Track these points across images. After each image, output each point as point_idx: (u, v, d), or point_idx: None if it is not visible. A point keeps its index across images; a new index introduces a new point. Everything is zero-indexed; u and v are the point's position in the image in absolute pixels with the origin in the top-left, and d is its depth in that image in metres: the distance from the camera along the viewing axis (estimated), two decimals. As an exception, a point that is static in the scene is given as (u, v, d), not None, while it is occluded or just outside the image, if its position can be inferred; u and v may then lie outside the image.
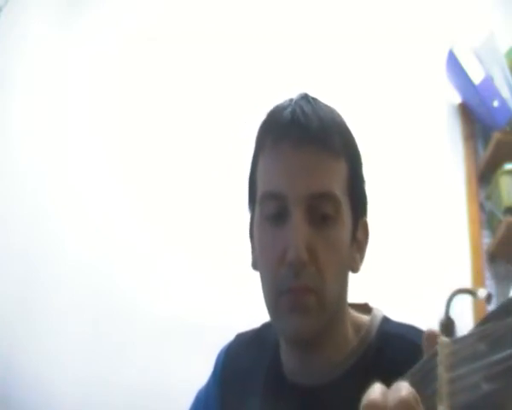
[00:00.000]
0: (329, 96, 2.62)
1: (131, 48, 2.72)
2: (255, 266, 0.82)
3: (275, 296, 0.75)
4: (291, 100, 0.80)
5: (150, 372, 2.17)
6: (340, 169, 0.77)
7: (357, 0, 2.76)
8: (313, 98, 0.80)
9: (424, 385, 0.37)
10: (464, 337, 0.35)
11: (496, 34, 2.37)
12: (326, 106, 0.80)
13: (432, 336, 0.40)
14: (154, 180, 2.47)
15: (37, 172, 2.48)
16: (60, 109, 2.61)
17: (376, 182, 2.39)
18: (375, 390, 0.39)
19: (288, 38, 2.65)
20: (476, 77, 2.34)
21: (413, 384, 0.40)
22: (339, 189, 0.75)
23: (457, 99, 2.55)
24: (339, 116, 0.81)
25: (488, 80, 2.32)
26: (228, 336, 0.99)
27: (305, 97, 0.79)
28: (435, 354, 0.37)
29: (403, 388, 0.37)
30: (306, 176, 0.74)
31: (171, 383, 2.12)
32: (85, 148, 2.55)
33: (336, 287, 0.76)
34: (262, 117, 0.82)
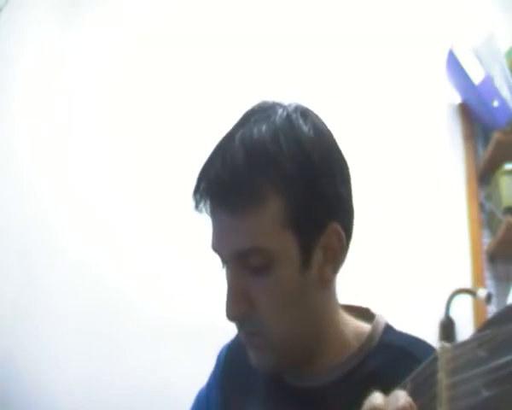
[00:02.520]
0: (329, 97, 2.62)
1: (132, 48, 2.71)
2: None
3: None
4: (216, 153, 0.77)
5: (150, 372, 2.17)
6: (269, 211, 0.72)
7: (357, 1, 2.76)
8: (230, 137, 0.76)
9: (424, 390, 0.37)
10: (464, 343, 0.35)
11: (496, 34, 2.37)
12: (242, 144, 0.73)
13: None
14: (154, 181, 2.47)
15: (37, 172, 2.48)
16: (60, 109, 2.61)
17: (376, 182, 2.41)
18: (377, 397, 0.39)
19: (288, 39, 2.65)
20: (476, 77, 2.34)
21: (413, 389, 0.40)
22: (267, 235, 0.72)
23: (457, 99, 2.55)
24: (262, 147, 0.73)
25: (488, 80, 2.32)
26: (227, 337, 0.99)
27: (222, 143, 0.77)
28: (436, 359, 0.38)
29: (400, 397, 0.37)
30: (227, 237, 0.75)
31: (170, 383, 2.12)
32: (85, 148, 2.55)
33: (284, 323, 0.75)
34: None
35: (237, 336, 0.99)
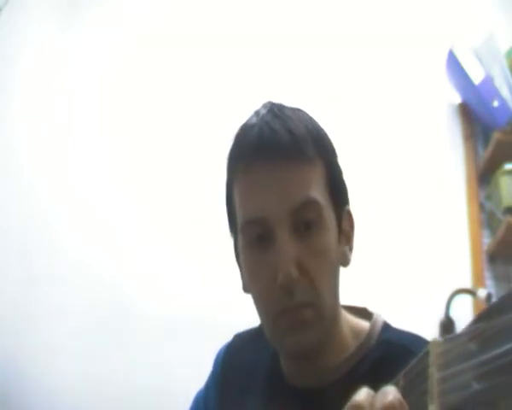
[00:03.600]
0: (330, 97, 2.62)
1: (131, 48, 2.72)
2: (246, 289, 0.82)
3: (271, 318, 0.75)
4: (257, 115, 0.79)
5: (151, 371, 2.17)
6: (317, 172, 0.76)
7: (357, 1, 2.76)
8: (279, 107, 0.79)
9: (416, 385, 0.37)
10: (455, 337, 0.35)
11: (496, 34, 2.37)
12: (293, 111, 0.79)
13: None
14: (155, 180, 2.47)
15: (37, 171, 2.48)
16: (60, 109, 2.61)
17: (376, 182, 2.40)
18: (361, 394, 0.39)
19: (288, 39, 2.66)
20: (476, 77, 2.33)
21: (406, 384, 0.40)
22: (318, 192, 0.75)
23: (457, 99, 2.54)
24: (308, 119, 0.80)
25: (488, 80, 2.32)
26: (229, 334, 1.00)
27: (270, 110, 0.78)
28: (427, 354, 0.37)
29: (389, 393, 0.37)
30: (285, 193, 0.74)
31: (171, 380, 2.11)
32: (85, 147, 2.56)
33: (330, 292, 0.76)
34: (230, 140, 0.81)
35: (236, 337, 0.99)
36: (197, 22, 2.74)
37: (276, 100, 0.83)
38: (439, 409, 0.33)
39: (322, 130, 0.81)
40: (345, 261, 0.80)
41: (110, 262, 2.35)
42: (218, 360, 0.97)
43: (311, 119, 0.81)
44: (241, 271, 0.83)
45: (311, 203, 0.74)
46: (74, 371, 2.18)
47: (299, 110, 0.81)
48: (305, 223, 0.74)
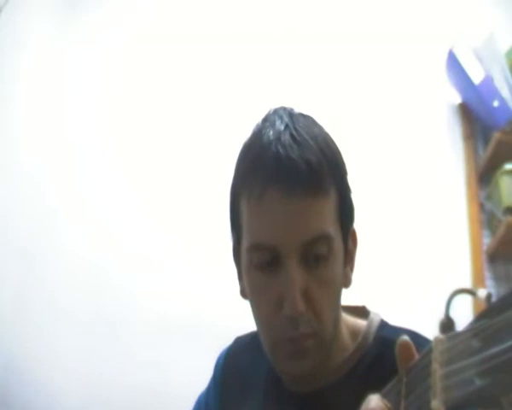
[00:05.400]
0: (329, 97, 2.62)
1: (132, 47, 2.72)
2: (244, 296, 0.81)
3: (273, 343, 0.75)
4: (272, 127, 0.76)
5: (151, 371, 2.17)
6: (331, 203, 0.75)
7: (357, 1, 2.76)
8: (295, 127, 0.76)
9: (419, 381, 0.38)
10: (458, 334, 0.36)
11: (496, 34, 2.38)
12: (310, 134, 0.75)
13: (405, 346, 0.40)
14: (155, 179, 2.47)
15: (37, 171, 2.48)
16: (60, 109, 2.61)
17: (377, 182, 2.40)
18: (371, 402, 0.39)
19: (288, 39, 2.66)
20: (476, 77, 2.34)
21: (408, 381, 0.40)
22: (331, 224, 0.74)
23: (457, 99, 2.55)
24: (324, 144, 0.76)
25: (488, 80, 2.32)
26: (228, 336, 1.00)
27: (287, 128, 0.75)
28: (430, 351, 0.38)
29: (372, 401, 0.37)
30: (298, 224, 0.72)
31: (171, 381, 2.12)
32: (86, 146, 2.56)
33: (333, 319, 0.76)
34: (241, 147, 0.80)
35: (236, 340, 0.99)
36: (197, 22, 2.74)
37: (288, 104, 0.81)
38: (443, 405, 0.33)
39: (336, 152, 0.79)
40: (347, 283, 0.79)
41: (111, 263, 2.35)
42: (219, 363, 0.97)
43: (325, 138, 0.78)
44: (238, 273, 0.83)
45: (324, 238, 0.73)
46: (75, 371, 2.18)
47: (313, 125, 0.78)
48: (315, 256, 0.73)
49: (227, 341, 1.00)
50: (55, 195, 2.47)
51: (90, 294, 2.30)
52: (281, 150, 0.72)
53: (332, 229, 0.74)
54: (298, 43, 2.64)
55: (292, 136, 0.74)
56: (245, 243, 0.77)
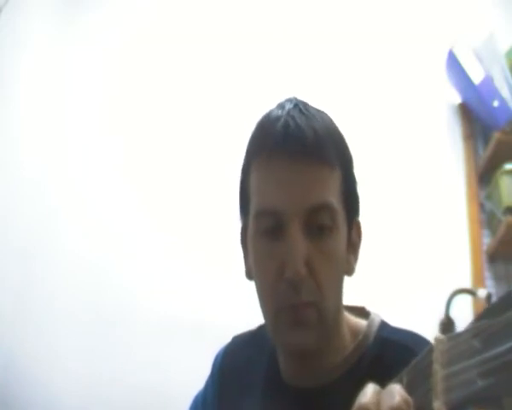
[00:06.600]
0: (329, 97, 2.62)
1: (132, 47, 2.72)
2: (249, 275, 0.82)
3: (274, 312, 0.75)
4: (282, 108, 0.78)
5: (151, 371, 2.17)
6: (335, 178, 0.76)
7: (358, 1, 2.76)
8: (304, 106, 0.79)
9: (420, 382, 0.37)
10: (459, 334, 0.35)
11: (496, 34, 2.38)
12: (318, 113, 0.79)
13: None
14: (155, 179, 2.47)
15: (37, 171, 2.48)
16: (60, 108, 2.61)
17: (377, 182, 2.41)
18: (367, 393, 0.38)
19: (288, 38, 2.66)
20: (476, 77, 2.34)
21: (410, 382, 0.40)
22: (334, 198, 0.75)
23: (457, 99, 2.55)
24: (331, 123, 0.80)
25: (488, 80, 2.32)
26: (228, 335, 1.00)
27: (296, 106, 0.78)
28: (431, 352, 0.38)
29: (396, 394, 0.37)
30: (303, 190, 0.74)
31: (171, 381, 2.12)
32: (86, 146, 2.56)
33: (335, 297, 0.77)
34: (253, 126, 0.81)
35: (234, 339, 0.99)
36: (198, 22, 2.74)
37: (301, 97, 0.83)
38: (444, 406, 0.33)
39: (343, 137, 0.81)
40: (350, 270, 0.80)
41: (111, 263, 2.35)
42: (217, 361, 0.98)
43: (332, 123, 0.81)
44: (245, 256, 0.83)
45: (327, 208, 0.74)
46: (75, 371, 2.18)
47: (322, 112, 0.81)
48: (318, 225, 0.74)
49: (227, 341, 1.00)
50: (55, 195, 2.47)
51: (90, 294, 2.30)
52: (290, 121, 0.75)
53: (335, 202, 0.75)
54: (298, 43, 2.64)
55: (301, 111, 0.77)
56: (252, 213, 0.78)
